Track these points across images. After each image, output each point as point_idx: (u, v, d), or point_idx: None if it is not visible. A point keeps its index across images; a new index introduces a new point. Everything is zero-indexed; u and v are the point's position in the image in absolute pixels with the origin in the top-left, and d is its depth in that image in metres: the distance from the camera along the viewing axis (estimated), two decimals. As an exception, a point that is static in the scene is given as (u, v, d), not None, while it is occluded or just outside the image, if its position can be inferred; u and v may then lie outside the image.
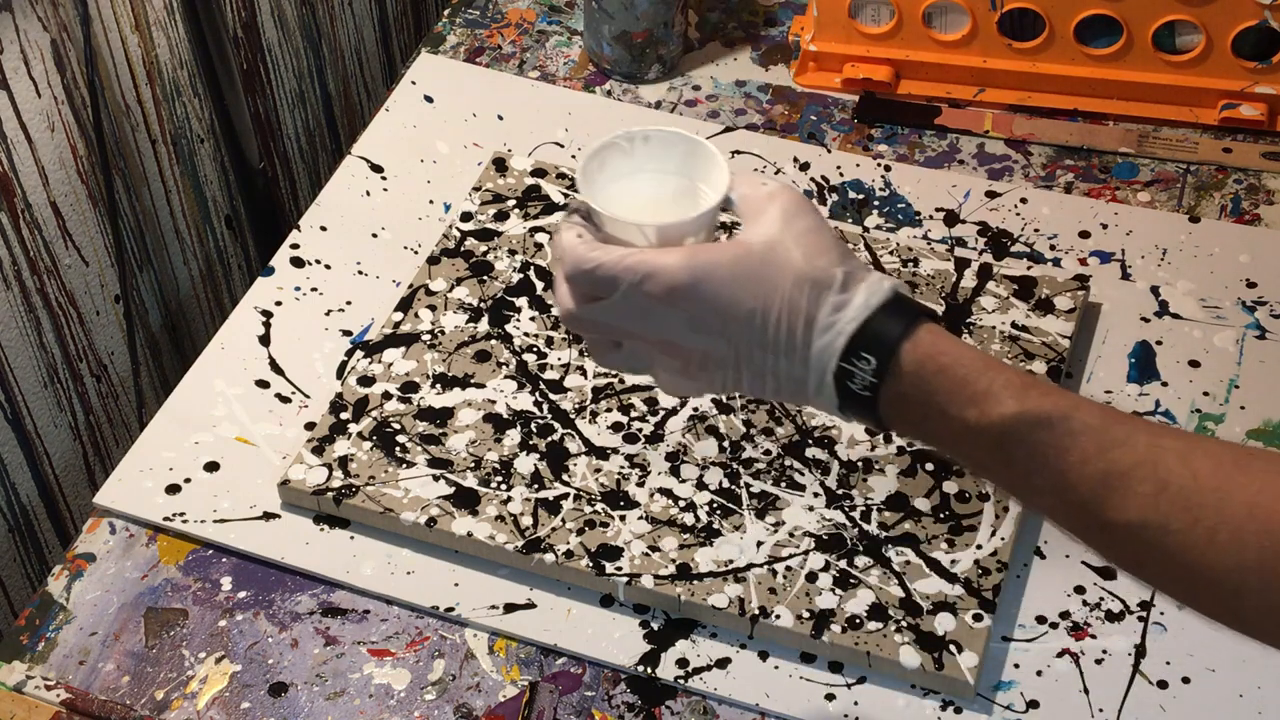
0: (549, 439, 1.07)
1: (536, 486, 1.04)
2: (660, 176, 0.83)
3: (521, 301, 1.15)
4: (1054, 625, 0.99)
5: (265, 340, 1.15)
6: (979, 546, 1.01)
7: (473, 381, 1.10)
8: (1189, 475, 0.70)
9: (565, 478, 1.04)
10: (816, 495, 1.04)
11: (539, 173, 1.24)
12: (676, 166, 0.83)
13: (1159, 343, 1.14)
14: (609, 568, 1.00)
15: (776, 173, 1.26)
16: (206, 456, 1.08)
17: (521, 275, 1.17)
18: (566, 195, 1.22)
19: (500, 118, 1.31)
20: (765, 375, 0.78)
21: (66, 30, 1.19)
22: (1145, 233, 1.21)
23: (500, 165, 1.25)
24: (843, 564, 1.00)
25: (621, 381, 1.10)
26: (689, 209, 0.80)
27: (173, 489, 1.07)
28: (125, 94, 1.28)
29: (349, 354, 1.14)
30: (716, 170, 0.81)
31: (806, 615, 0.98)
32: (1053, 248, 1.20)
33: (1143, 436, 0.72)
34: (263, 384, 1.13)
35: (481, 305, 1.15)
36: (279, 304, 1.18)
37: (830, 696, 0.96)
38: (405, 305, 1.15)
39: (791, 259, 0.76)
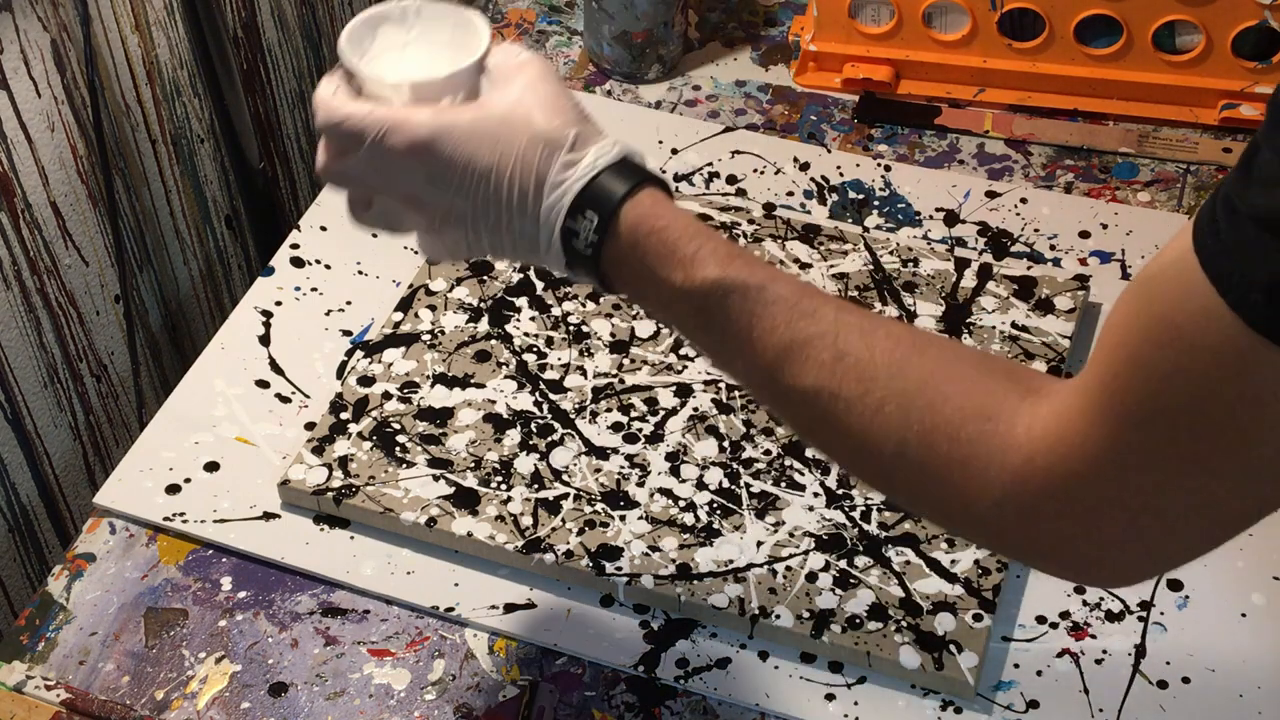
0: (549, 439, 1.07)
1: (536, 486, 1.04)
2: (428, 48, 0.84)
3: (521, 301, 1.15)
4: (1054, 625, 0.99)
5: (265, 340, 1.15)
6: (979, 546, 1.01)
7: (473, 381, 1.10)
8: (866, 349, 0.72)
9: (555, 465, 1.04)
10: (816, 495, 1.04)
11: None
12: (448, 39, 0.84)
13: (1159, 343, 1.14)
14: (609, 568, 1.00)
15: (777, 173, 1.26)
16: (206, 456, 1.08)
17: (521, 275, 1.17)
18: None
19: (500, 118, 1.31)
20: (501, 233, 0.80)
21: (66, 30, 1.19)
22: (1145, 233, 1.21)
23: (500, 165, 1.24)
24: (843, 564, 1.00)
25: (621, 381, 1.10)
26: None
27: (173, 489, 1.07)
28: (125, 94, 1.28)
29: (349, 354, 1.14)
30: (481, 41, 0.83)
31: (806, 615, 0.98)
32: (1053, 248, 1.20)
33: (830, 311, 0.74)
34: (263, 384, 1.13)
35: (481, 305, 1.15)
36: (279, 304, 1.18)
37: (830, 696, 0.96)
38: (405, 305, 1.15)
39: (530, 120, 0.79)
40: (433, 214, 0.81)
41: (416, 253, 1.21)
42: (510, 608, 1.00)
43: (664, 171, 1.26)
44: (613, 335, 1.13)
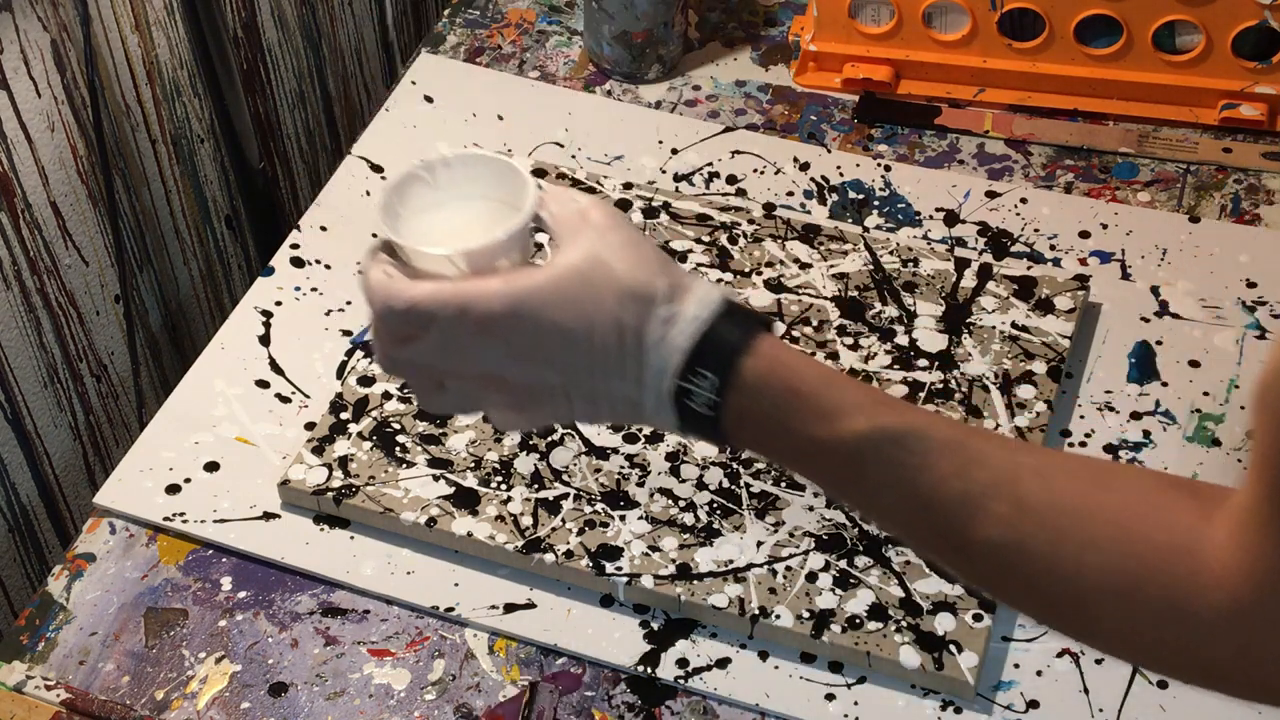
0: (549, 439, 1.07)
1: (536, 486, 1.04)
2: (467, 203, 0.79)
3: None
4: (1054, 625, 0.99)
5: (265, 340, 1.15)
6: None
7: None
8: (1047, 493, 0.68)
9: (555, 465, 1.04)
10: (816, 495, 1.04)
11: (539, 173, 1.24)
12: (483, 190, 0.79)
13: (1159, 343, 1.14)
14: (609, 568, 1.00)
15: (777, 173, 1.26)
16: (206, 456, 1.08)
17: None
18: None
19: (500, 118, 1.31)
20: (598, 401, 0.74)
21: (66, 30, 1.19)
22: (1145, 233, 1.21)
23: (500, 165, 1.25)
24: (843, 564, 1.00)
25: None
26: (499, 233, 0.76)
27: (173, 489, 1.07)
28: (125, 94, 1.28)
29: (349, 354, 1.14)
30: (524, 189, 0.76)
31: (806, 615, 0.98)
32: (1053, 248, 1.20)
33: (1000, 454, 0.70)
34: (263, 384, 1.13)
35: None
36: (279, 304, 1.18)
37: (830, 696, 0.96)
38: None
39: (612, 274, 0.72)
40: (517, 390, 0.74)
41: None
42: (510, 608, 1.00)
43: (664, 172, 1.27)
44: (613, 335, 1.13)
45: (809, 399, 0.71)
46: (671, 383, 0.72)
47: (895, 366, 1.11)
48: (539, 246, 0.77)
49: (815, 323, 1.13)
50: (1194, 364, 1.12)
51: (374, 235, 0.77)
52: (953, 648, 0.96)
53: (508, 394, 0.75)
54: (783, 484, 1.04)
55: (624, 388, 0.73)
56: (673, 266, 0.74)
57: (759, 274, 1.16)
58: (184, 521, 1.05)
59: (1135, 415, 1.09)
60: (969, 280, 1.16)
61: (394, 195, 0.77)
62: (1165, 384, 1.11)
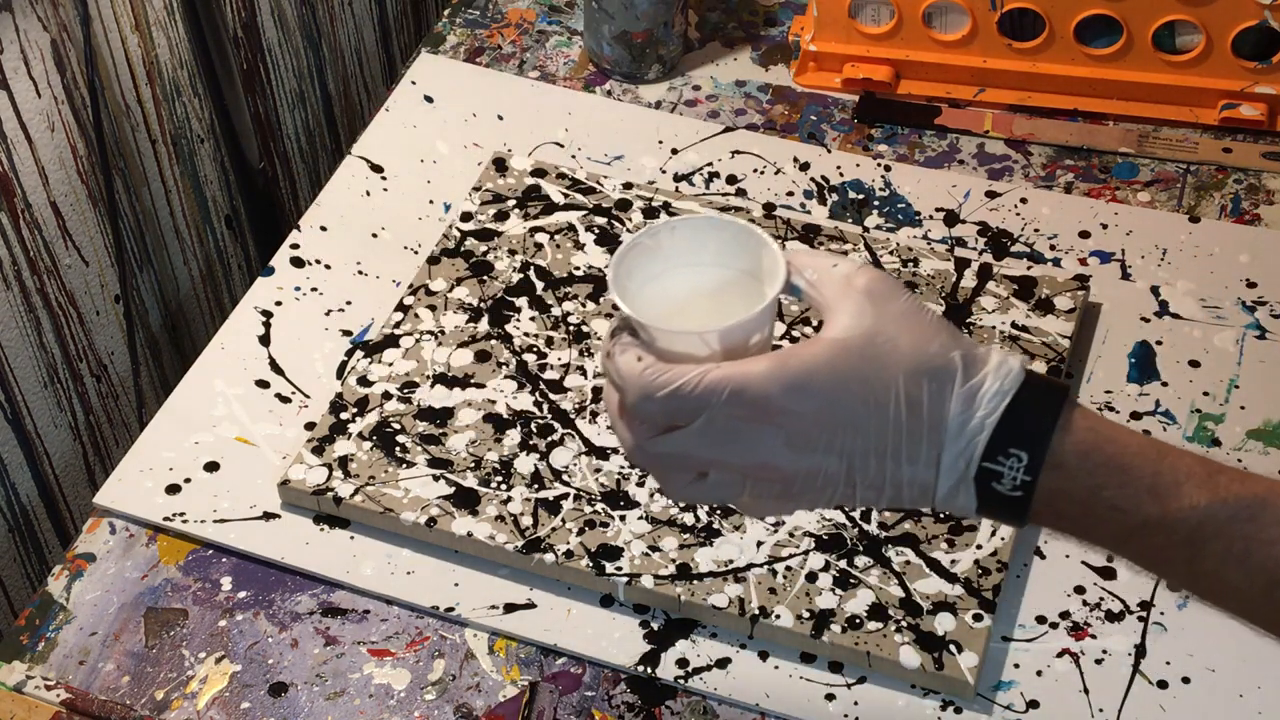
0: (549, 439, 1.07)
1: (536, 486, 1.04)
2: (695, 270, 0.73)
3: (521, 301, 1.15)
4: (1054, 625, 0.99)
5: (265, 340, 1.15)
6: (979, 546, 1.01)
7: (473, 381, 1.10)
8: None
9: (555, 465, 1.04)
10: (816, 495, 1.04)
11: (539, 173, 1.24)
12: (712, 257, 0.73)
13: (1159, 343, 1.14)
14: (609, 568, 1.00)
15: (777, 173, 1.26)
16: (206, 456, 1.08)
17: (521, 275, 1.17)
18: (566, 195, 1.22)
19: (500, 118, 1.31)
20: (883, 486, 0.69)
21: (66, 30, 1.19)
22: (1145, 233, 1.21)
23: (500, 165, 1.25)
24: (843, 564, 1.00)
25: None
26: (742, 304, 0.70)
27: (173, 489, 1.06)
28: (125, 94, 1.28)
29: (349, 354, 1.14)
30: (762, 253, 0.71)
31: (806, 615, 0.98)
32: (1053, 248, 1.20)
33: None
34: (263, 384, 1.13)
35: (481, 305, 1.15)
36: (279, 304, 1.18)
37: (830, 696, 0.96)
38: (405, 305, 1.15)
39: (897, 349, 0.67)
40: (790, 479, 0.69)
41: (417, 253, 1.21)
42: (510, 608, 1.00)
43: (664, 172, 1.27)
44: (613, 335, 1.13)
45: (1138, 474, 0.66)
46: (976, 466, 0.67)
47: (895, 366, 1.10)
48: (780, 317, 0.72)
49: (815, 323, 1.13)
50: (1194, 364, 1.12)
51: (613, 309, 0.71)
52: (953, 648, 0.96)
53: (779, 483, 0.69)
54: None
55: (915, 471, 0.68)
56: (959, 335, 0.69)
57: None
58: (184, 521, 1.05)
59: (1135, 415, 1.09)
60: (969, 280, 1.16)
61: (620, 269, 0.72)
62: (1165, 384, 1.11)
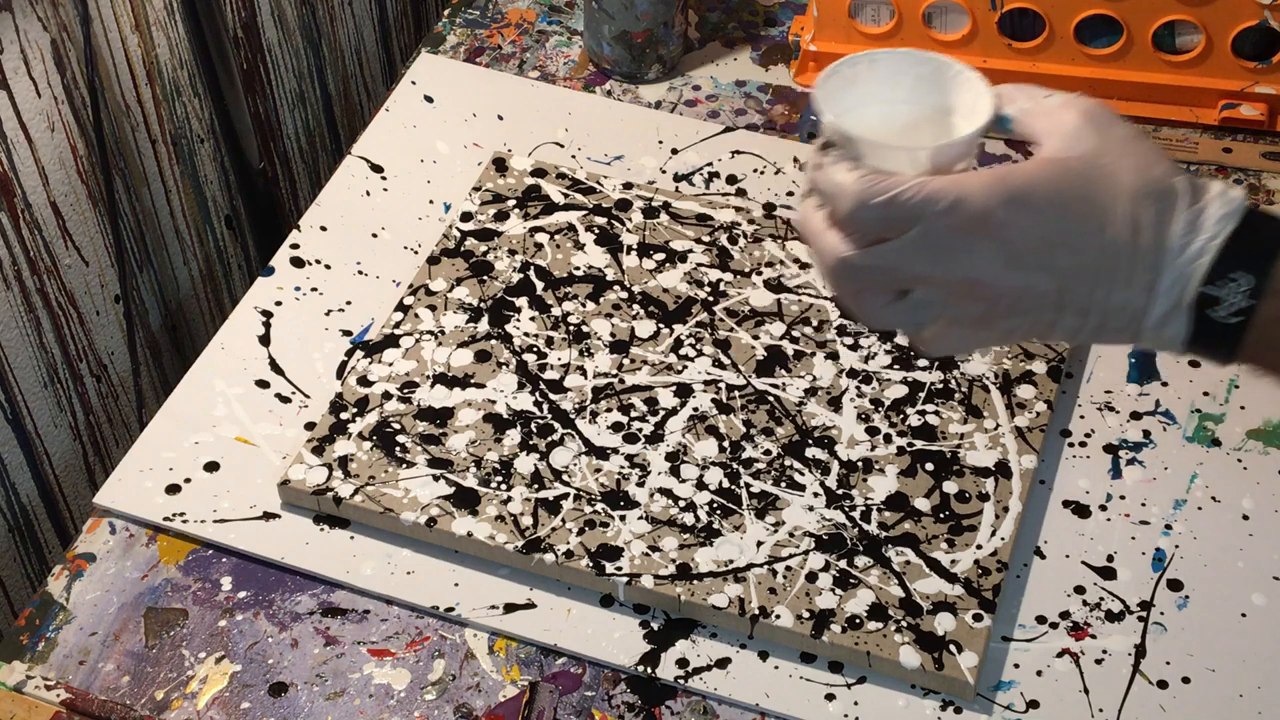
0: (549, 439, 1.07)
1: (536, 486, 1.04)
2: (888, 106, 0.73)
3: (521, 301, 1.15)
4: (1054, 625, 0.99)
5: (265, 340, 1.15)
6: (979, 546, 1.01)
7: (473, 381, 1.10)
8: None
9: (555, 465, 1.04)
10: (816, 495, 1.04)
11: (539, 173, 1.24)
12: (906, 94, 0.73)
13: (1159, 343, 1.14)
14: (609, 568, 1.00)
15: (777, 173, 1.26)
16: (206, 456, 1.08)
17: (521, 275, 1.17)
18: (566, 195, 1.22)
19: (500, 118, 1.31)
20: (1089, 312, 0.68)
21: (66, 30, 1.19)
22: (1145, 233, 1.21)
23: (500, 165, 1.25)
24: (843, 564, 1.00)
25: (621, 381, 1.10)
26: (944, 133, 0.70)
27: (173, 489, 1.07)
28: (125, 94, 1.28)
29: (349, 354, 1.14)
30: (962, 88, 0.71)
31: (806, 615, 0.98)
32: (1053, 248, 1.20)
33: None
34: (263, 384, 1.13)
35: (481, 305, 1.15)
36: (279, 304, 1.18)
37: (830, 696, 0.96)
38: (405, 305, 1.15)
39: (1121, 172, 0.66)
40: (998, 299, 0.68)
41: (417, 253, 1.21)
42: (510, 608, 1.00)
43: (664, 172, 1.27)
44: (613, 335, 1.13)
45: None
46: (1195, 289, 0.66)
47: (895, 366, 1.11)
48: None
49: (815, 323, 1.13)
50: (1194, 364, 1.12)
51: (810, 136, 0.73)
52: (953, 648, 0.96)
53: (983, 304, 0.68)
54: (783, 484, 1.04)
55: (1129, 297, 0.67)
56: (1179, 166, 0.68)
57: (759, 274, 1.17)
58: (184, 521, 1.05)
59: (1135, 415, 1.09)
60: (969, 280, 1.16)
61: (830, 85, 0.72)
62: (1165, 384, 1.11)
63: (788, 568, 1.00)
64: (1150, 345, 0.69)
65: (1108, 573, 1.01)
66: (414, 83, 1.34)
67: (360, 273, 1.20)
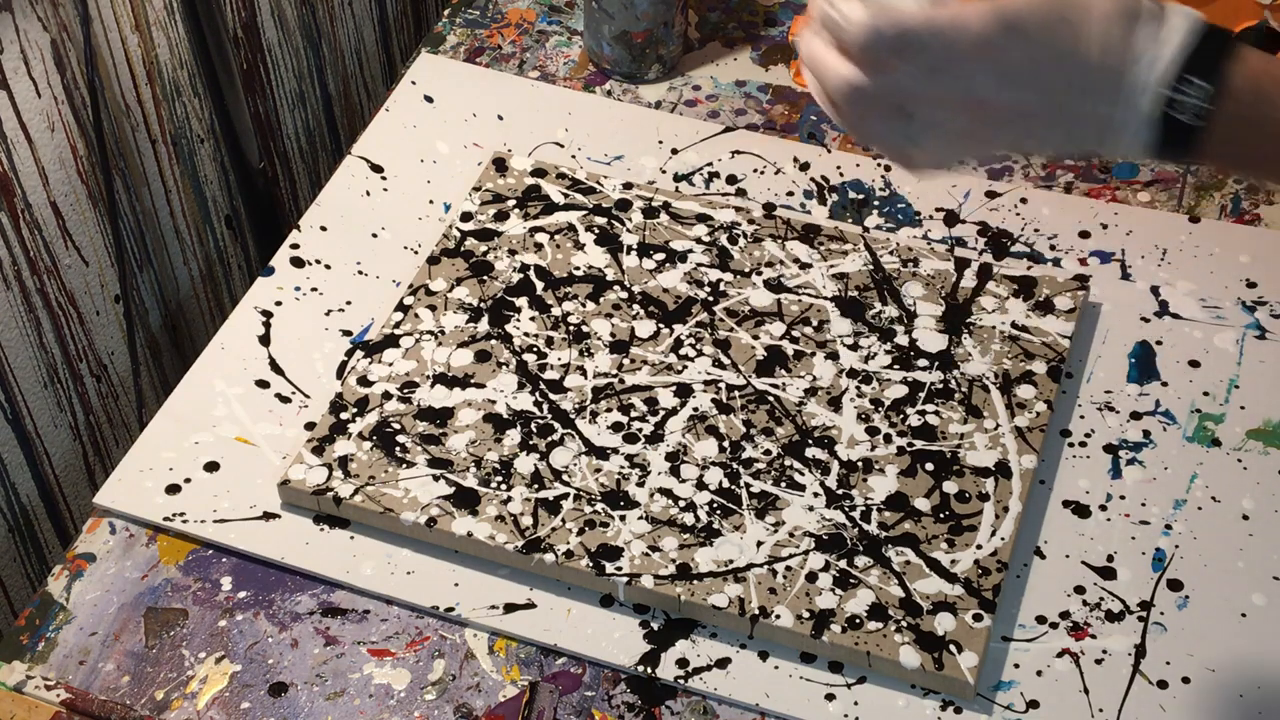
0: (549, 439, 1.07)
1: (536, 486, 1.04)
2: None
3: (521, 301, 1.15)
4: (1054, 625, 0.99)
5: (265, 340, 1.15)
6: (979, 546, 1.01)
7: (473, 381, 1.10)
8: None
9: (555, 465, 1.04)
10: (816, 495, 1.04)
11: (539, 173, 1.24)
12: None
13: (1159, 343, 1.14)
14: (609, 568, 1.00)
15: (777, 173, 1.26)
16: (206, 456, 1.08)
17: (521, 275, 1.17)
18: (566, 195, 1.22)
19: (500, 118, 1.31)
20: (1067, 123, 0.76)
21: (66, 30, 1.19)
22: (1145, 233, 1.21)
23: (500, 165, 1.25)
24: (843, 564, 1.00)
25: (621, 381, 1.10)
26: None
27: (173, 489, 1.07)
28: (125, 94, 1.28)
29: (349, 354, 1.14)
30: None
31: (806, 615, 0.98)
32: (1053, 248, 1.20)
33: None
34: (263, 384, 1.13)
35: (481, 305, 1.15)
36: (279, 304, 1.18)
37: (830, 696, 0.96)
38: (405, 305, 1.15)
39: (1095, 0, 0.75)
40: (990, 114, 0.77)
41: (417, 253, 1.21)
42: (510, 608, 1.00)
43: (664, 172, 1.27)
44: (613, 335, 1.13)
45: None
46: (1158, 93, 0.74)
47: (895, 366, 1.11)
48: None
49: (815, 323, 1.13)
50: (1194, 364, 1.12)
51: None
52: (953, 648, 0.96)
53: (978, 120, 0.77)
54: (783, 484, 1.04)
55: (1102, 106, 0.75)
56: None
57: (759, 274, 1.17)
58: (184, 521, 1.05)
59: (1135, 415, 1.09)
60: (969, 280, 1.16)
61: None
62: (1165, 384, 1.11)
63: (788, 568, 1.00)
64: (1123, 153, 0.77)
65: (1108, 573, 1.01)
66: (414, 83, 1.34)
67: (360, 273, 1.20)
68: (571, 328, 1.14)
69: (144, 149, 1.32)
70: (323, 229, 1.23)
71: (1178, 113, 0.74)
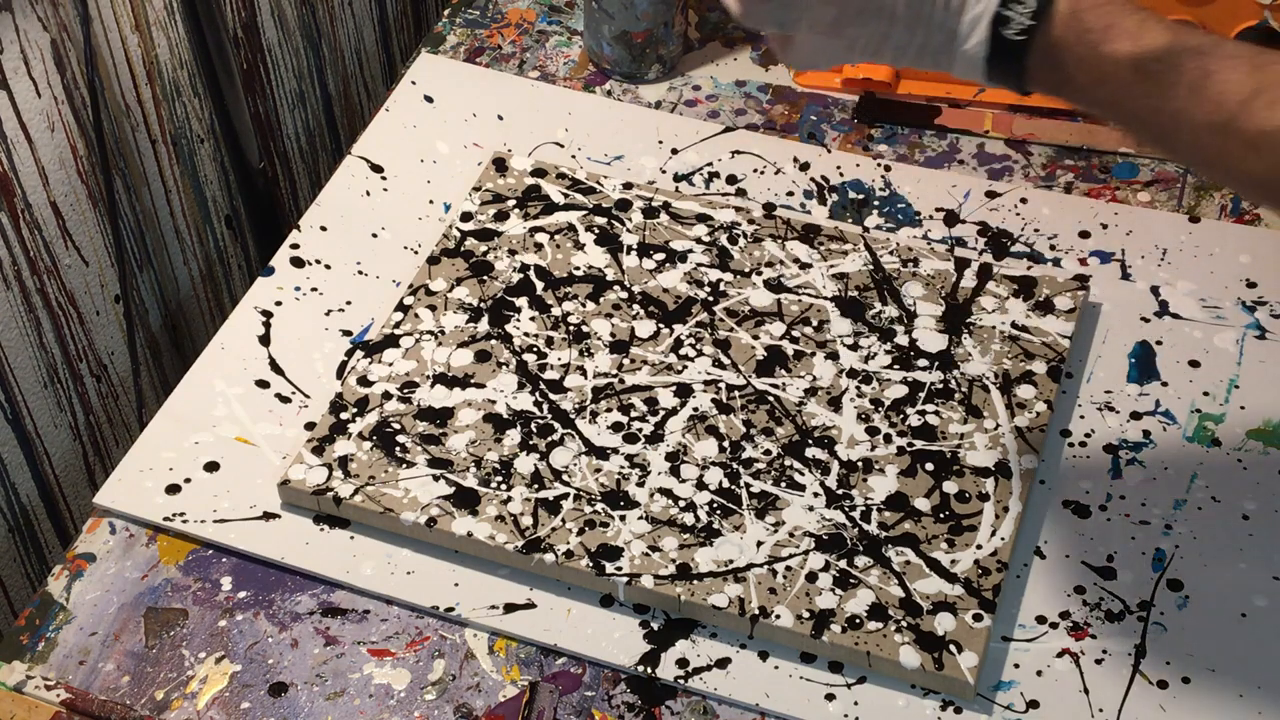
0: (549, 439, 1.07)
1: (536, 486, 1.04)
2: None
3: (521, 301, 1.15)
4: (1054, 625, 0.99)
5: (265, 340, 1.15)
6: (979, 546, 1.01)
7: (473, 381, 1.10)
8: None
9: (555, 465, 1.04)
10: (816, 495, 1.04)
11: (539, 173, 1.24)
12: None
13: (1159, 343, 1.14)
14: (609, 568, 1.00)
15: (777, 173, 1.26)
16: (206, 456, 1.08)
17: (521, 275, 1.17)
18: (566, 195, 1.22)
19: (500, 118, 1.31)
20: (917, 28, 0.84)
21: (66, 30, 1.19)
22: (1145, 233, 1.21)
23: (500, 165, 1.25)
24: (843, 564, 1.00)
25: (621, 381, 1.10)
26: None
27: (173, 489, 1.07)
28: (125, 94, 1.28)
29: (349, 354, 1.14)
30: None
31: (806, 615, 0.98)
32: (1053, 248, 1.20)
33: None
34: (263, 384, 1.13)
35: (481, 305, 1.15)
36: (279, 304, 1.18)
37: (830, 696, 0.96)
38: (405, 305, 1.15)
39: None
40: (848, 4, 0.84)
41: (417, 253, 1.21)
42: (510, 608, 1.00)
43: (664, 172, 1.27)
44: (613, 335, 1.13)
45: (1114, 17, 0.80)
46: (993, 9, 0.82)
47: (895, 366, 1.11)
48: None
49: (815, 323, 1.13)
50: (1194, 364, 1.12)
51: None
52: (953, 648, 0.96)
53: (845, 15, 0.85)
54: (783, 484, 1.04)
55: (945, 17, 0.84)
56: None
57: (759, 274, 1.17)
58: (184, 521, 1.05)
59: (1135, 415, 1.09)
60: (969, 280, 1.16)
61: None
62: (1165, 384, 1.11)
63: (788, 568, 1.00)
64: (963, 70, 0.85)
65: (1108, 573, 1.01)
66: (414, 83, 1.34)
67: (360, 273, 1.20)
68: (571, 328, 1.14)
69: (144, 149, 1.32)
70: (323, 229, 1.23)
71: (1004, 28, 0.82)
